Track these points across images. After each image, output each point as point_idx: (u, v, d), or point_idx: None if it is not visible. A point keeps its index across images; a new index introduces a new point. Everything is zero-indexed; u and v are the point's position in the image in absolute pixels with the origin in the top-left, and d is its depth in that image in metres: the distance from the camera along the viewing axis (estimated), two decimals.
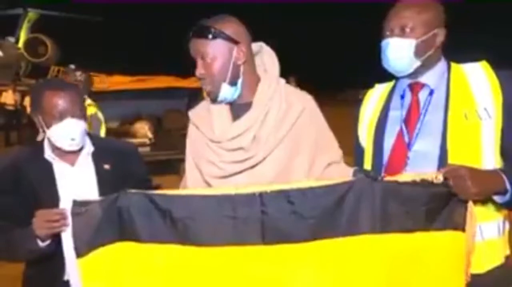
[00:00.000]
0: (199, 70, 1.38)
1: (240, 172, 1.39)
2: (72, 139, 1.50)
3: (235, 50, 1.36)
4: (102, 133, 3.42)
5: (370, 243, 1.22)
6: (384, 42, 1.44)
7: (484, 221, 1.34)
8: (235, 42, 1.36)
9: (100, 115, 3.50)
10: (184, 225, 1.26)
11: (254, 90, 1.42)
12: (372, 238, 1.22)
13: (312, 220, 1.23)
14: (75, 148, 1.53)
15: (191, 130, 1.54)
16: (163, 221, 1.27)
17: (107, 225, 1.28)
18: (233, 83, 1.38)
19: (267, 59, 1.48)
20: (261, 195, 1.24)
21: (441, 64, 1.45)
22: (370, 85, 1.65)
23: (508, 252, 1.42)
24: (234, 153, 1.39)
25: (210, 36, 1.34)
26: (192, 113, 1.54)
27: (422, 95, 1.45)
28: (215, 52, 1.35)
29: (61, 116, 1.47)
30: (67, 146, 1.51)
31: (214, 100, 1.42)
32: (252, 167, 1.38)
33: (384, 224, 1.22)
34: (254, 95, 1.42)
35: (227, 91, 1.39)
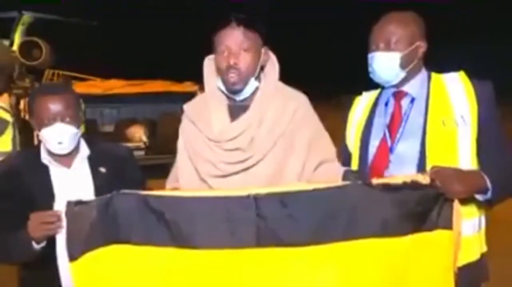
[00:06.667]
0: None
1: (237, 172, 1.41)
2: (59, 143, 1.50)
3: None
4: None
5: (365, 247, 1.23)
6: (370, 56, 1.51)
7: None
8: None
9: (8, 118, 2.56)
10: (178, 227, 1.24)
11: (254, 93, 1.47)
12: (367, 242, 1.23)
13: (306, 224, 1.22)
14: (63, 152, 1.54)
15: (186, 126, 1.52)
16: (157, 222, 1.25)
17: (101, 226, 1.26)
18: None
19: (268, 63, 1.51)
20: (255, 197, 1.22)
21: (422, 74, 1.53)
22: (360, 92, 1.71)
23: (485, 249, 1.49)
24: (232, 153, 1.42)
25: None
26: (188, 108, 1.53)
27: (404, 103, 1.52)
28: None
29: (51, 121, 1.49)
30: (55, 149, 1.53)
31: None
32: (249, 167, 1.41)
33: (378, 228, 1.23)
34: (253, 97, 1.47)
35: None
